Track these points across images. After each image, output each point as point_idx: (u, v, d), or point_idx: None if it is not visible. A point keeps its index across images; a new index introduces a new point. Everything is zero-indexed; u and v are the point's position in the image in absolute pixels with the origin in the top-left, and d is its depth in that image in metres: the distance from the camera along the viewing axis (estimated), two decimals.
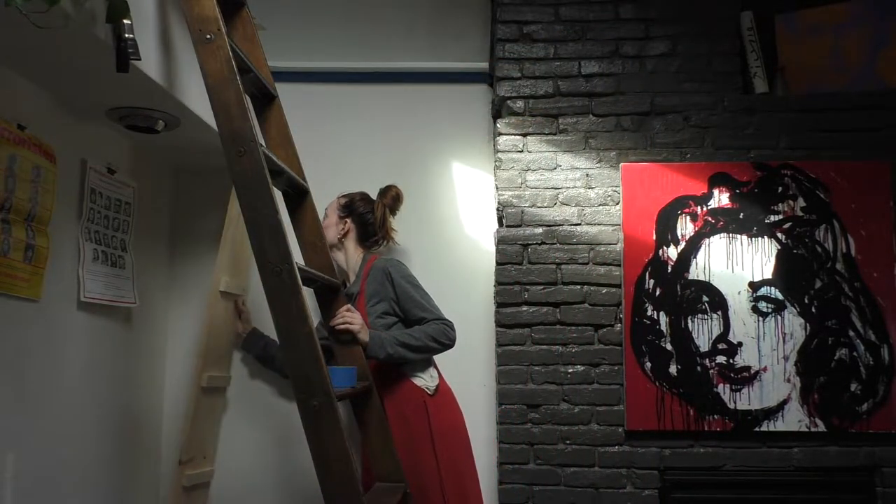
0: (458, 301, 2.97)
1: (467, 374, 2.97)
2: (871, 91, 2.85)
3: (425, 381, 2.62)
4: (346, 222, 2.79)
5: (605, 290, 2.79)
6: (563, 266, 2.81)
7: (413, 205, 3.09)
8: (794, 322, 2.73)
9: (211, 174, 3.07)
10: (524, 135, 2.88)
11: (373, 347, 2.45)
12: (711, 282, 2.76)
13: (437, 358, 2.74)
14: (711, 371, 2.72)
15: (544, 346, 2.78)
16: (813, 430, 2.68)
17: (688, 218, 2.79)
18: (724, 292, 2.75)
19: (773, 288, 2.75)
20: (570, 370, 2.76)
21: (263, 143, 2.18)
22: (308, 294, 2.26)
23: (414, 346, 2.53)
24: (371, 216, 2.80)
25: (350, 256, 2.80)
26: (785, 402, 2.70)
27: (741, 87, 2.89)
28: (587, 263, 2.81)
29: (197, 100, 2.36)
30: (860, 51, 2.91)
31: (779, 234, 2.77)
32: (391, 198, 2.84)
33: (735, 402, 2.70)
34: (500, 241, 2.85)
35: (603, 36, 2.91)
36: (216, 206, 3.11)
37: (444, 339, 2.58)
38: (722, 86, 2.87)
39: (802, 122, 2.83)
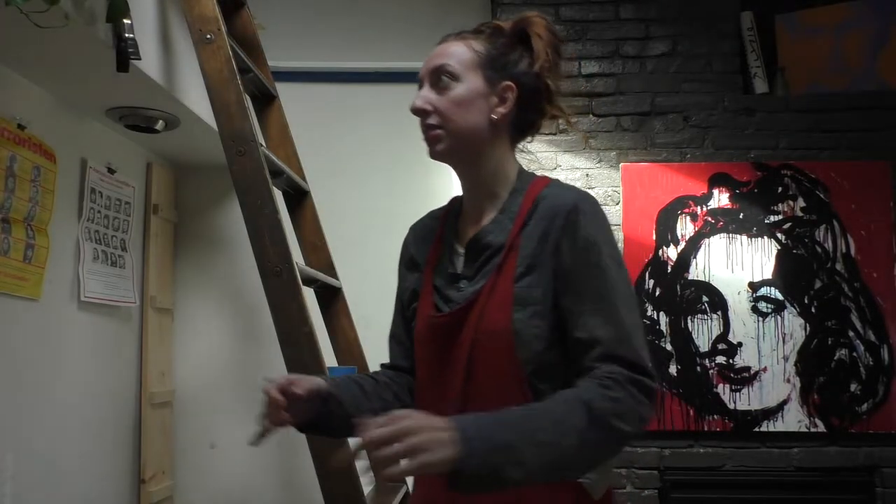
0: None
1: None
2: (871, 91, 2.85)
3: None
4: (510, 89, 1.24)
5: None
6: None
7: (413, 205, 3.08)
8: (793, 322, 2.73)
9: (211, 174, 3.07)
10: None
11: (466, 462, 0.94)
12: (711, 282, 2.76)
13: None
14: (711, 371, 2.72)
15: None
16: (812, 430, 2.68)
17: (688, 218, 2.79)
18: (723, 292, 2.75)
19: (772, 288, 2.75)
20: None
21: (263, 143, 2.18)
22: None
23: (562, 451, 1.00)
24: (539, 76, 1.26)
25: (498, 164, 1.27)
26: (785, 402, 2.70)
27: (741, 87, 2.89)
28: None
29: (197, 100, 2.36)
30: (860, 51, 2.91)
31: (779, 235, 2.77)
32: (547, 30, 1.28)
33: (735, 403, 2.70)
34: None
35: (603, 36, 2.91)
36: (217, 205, 3.11)
37: (632, 421, 1.05)
38: (722, 86, 2.87)
39: (802, 122, 2.83)
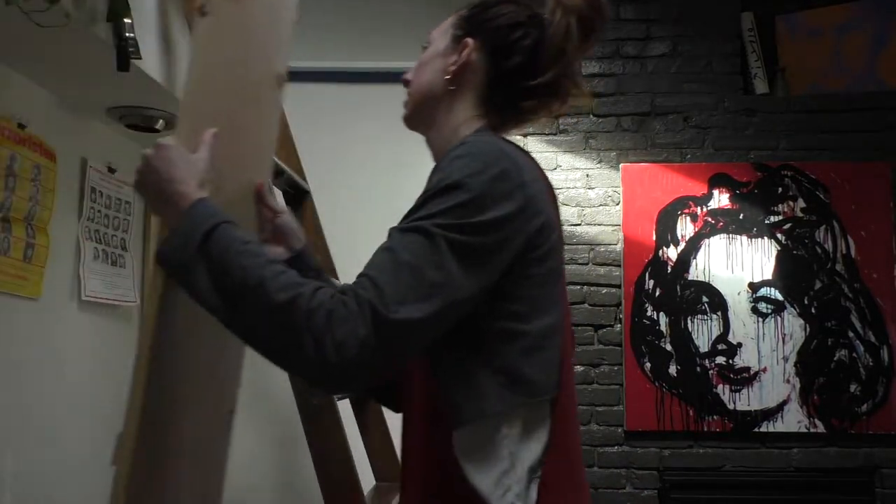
0: None
1: None
2: (872, 92, 2.85)
3: (499, 486, 0.95)
4: (466, 45, 1.12)
5: (604, 290, 2.79)
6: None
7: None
8: (793, 323, 2.73)
9: None
10: (524, 135, 2.88)
11: (172, 240, 1.10)
12: (711, 282, 2.76)
13: None
14: (711, 372, 2.72)
15: None
16: (812, 430, 2.68)
17: (688, 218, 2.79)
18: (723, 293, 2.75)
19: (772, 289, 2.75)
20: None
21: None
22: None
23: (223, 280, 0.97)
24: (531, 37, 1.10)
25: (456, 132, 1.14)
26: (784, 402, 2.70)
27: (741, 87, 2.89)
28: (587, 264, 2.81)
29: None
30: (861, 52, 2.91)
31: (779, 235, 2.77)
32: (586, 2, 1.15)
33: (734, 403, 2.70)
34: None
35: (603, 36, 2.91)
36: None
37: (301, 318, 0.90)
38: (722, 86, 2.87)
39: (803, 122, 2.83)
